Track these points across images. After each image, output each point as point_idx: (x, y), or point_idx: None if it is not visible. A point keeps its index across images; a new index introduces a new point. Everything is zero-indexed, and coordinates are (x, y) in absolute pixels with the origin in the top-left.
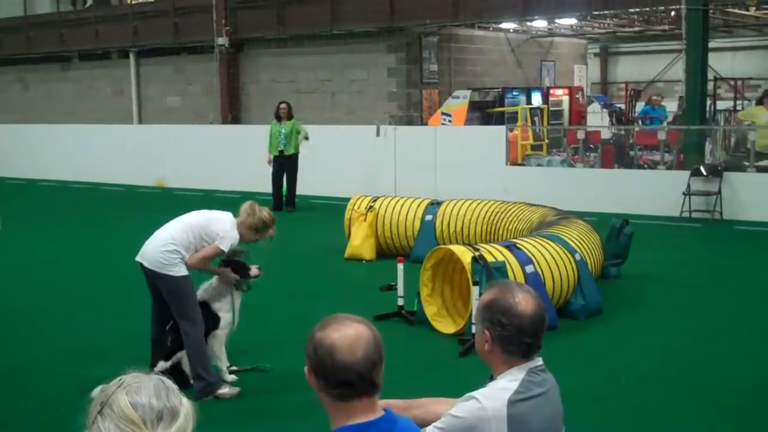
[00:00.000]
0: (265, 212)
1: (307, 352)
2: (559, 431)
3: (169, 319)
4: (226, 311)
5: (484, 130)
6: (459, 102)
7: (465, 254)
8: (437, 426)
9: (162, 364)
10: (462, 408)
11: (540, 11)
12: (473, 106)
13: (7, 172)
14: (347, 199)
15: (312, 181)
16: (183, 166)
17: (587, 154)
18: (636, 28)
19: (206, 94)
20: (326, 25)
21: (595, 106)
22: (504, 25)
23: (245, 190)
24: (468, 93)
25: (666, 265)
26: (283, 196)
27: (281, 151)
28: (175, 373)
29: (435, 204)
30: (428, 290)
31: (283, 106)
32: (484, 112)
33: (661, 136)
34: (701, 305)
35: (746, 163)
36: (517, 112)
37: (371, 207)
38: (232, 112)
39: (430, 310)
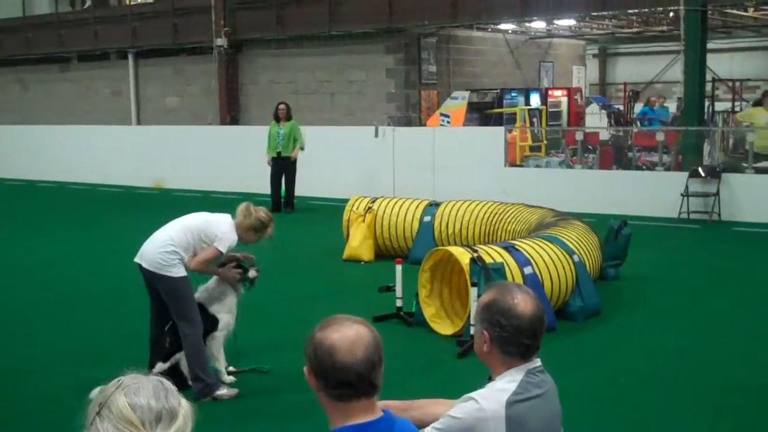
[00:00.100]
0: (261, 212)
1: (307, 352)
2: None
3: (167, 320)
4: (224, 313)
5: (483, 131)
6: (458, 103)
7: (463, 255)
8: (435, 427)
9: (160, 366)
10: (460, 409)
11: (538, 12)
12: (472, 107)
13: (6, 173)
14: (346, 200)
15: (310, 182)
16: (182, 167)
17: (586, 155)
18: (634, 29)
19: (205, 95)
20: (325, 26)
21: (594, 108)
22: (503, 26)
23: (244, 191)
24: (467, 94)
25: (664, 266)
26: (282, 198)
27: (279, 153)
28: (173, 375)
29: (433, 205)
30: (427, 291)
31: (282, 107)
32: (483, 113)
33: (660, 137)
34: (699, 306)
35: (744, 165)
36: (515, 113)
37: (370, 208)
38: (231, 113)
39: (429, 311)
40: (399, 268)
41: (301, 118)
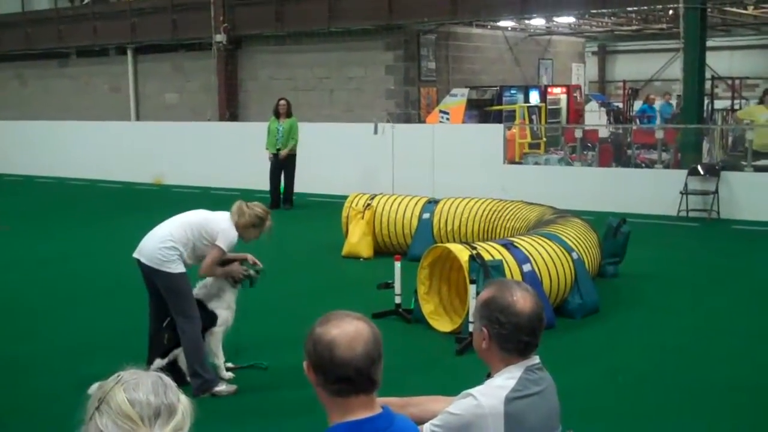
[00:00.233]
0: (256, 208)
1: (307, 347)
2: (555, 429)
3: (166, 316)
4: (223, 309)
5: (482, 129)
6: (457, 100)
7: (462, 252)
8: (434, 423)
9: (158, 362)
10: (459, 405)
11: (538, 9)
12: (471, 104)
13: (5, 169)
14: (345, 197)
15: (309, 178)
16: (181, 164)
17: (585, 152)
18: (634, 27)
19: (204, 91)
20: (324, 22)
21: (593, 105)
22: (502, 24)
23: (243, 187)
24: (466, 91)
25: (663, 264)
26: (281, 194)
27: (279, 150)
28: (171, 371)
29: (432, 202)
30: (425, 288)
31: (282, 103)
32: (482, 111)
33: (659, 135)
34: (698, 304)
35: (744, 163)
36: (514, 111)
37: (369, 205)
38: (230, 110)
39: (427, 308)
40: (398, 264)
41: (300, 115)
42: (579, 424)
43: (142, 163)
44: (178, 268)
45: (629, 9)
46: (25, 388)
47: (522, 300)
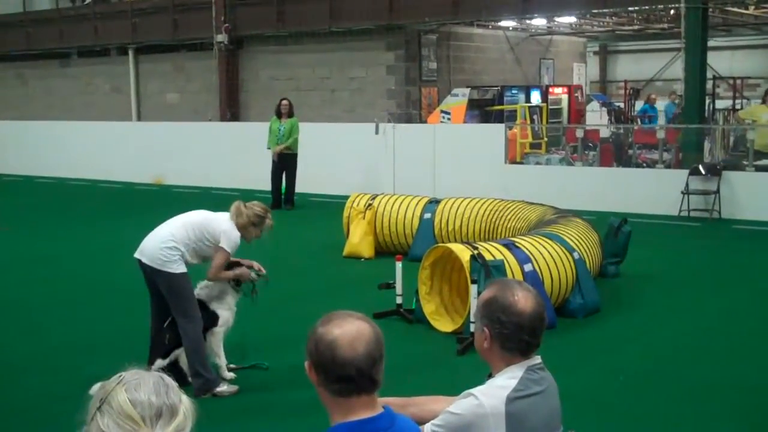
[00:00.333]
0: (255, 206)
1: (309, 347)
2: (556, 429)
3: (167, 317)
4: (224, 309)
5: (483, 129)
6: (458, 100)
7: (463, 252)
8: (435, 423)
9: (159, 362)
10: (460, 405)
11: (539, 9)
12: (472, 104)
13: (6, 169)
14: (346, 197)
15: (311, 179)
16: (182, 164)
17: (586, 152)
18: (635, 27)
19: (205, 92)
20: (325, 22)
21: (594, 105)
22: (503, 23)
23: (244, 187)
24: (467, 91)
25: (664, 263)
26: (282, 194)
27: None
28: (173, 371)
29: (434, 202)
30: (426, 288)
31: (284, 103)
32: (483, 111)
33: (660, 134)
34: (699, 304)
35: (745, 162)
36: (516, 111)
37: (370, 205)
38: (231, 110)
39: (429, 308)
40: (399, 265)
41: (301, 115)
42: (580, 423)
43: (143, 164)
44: (180, 268)
45: (630, 9)
46: (25, 387)
47: (523, 300)
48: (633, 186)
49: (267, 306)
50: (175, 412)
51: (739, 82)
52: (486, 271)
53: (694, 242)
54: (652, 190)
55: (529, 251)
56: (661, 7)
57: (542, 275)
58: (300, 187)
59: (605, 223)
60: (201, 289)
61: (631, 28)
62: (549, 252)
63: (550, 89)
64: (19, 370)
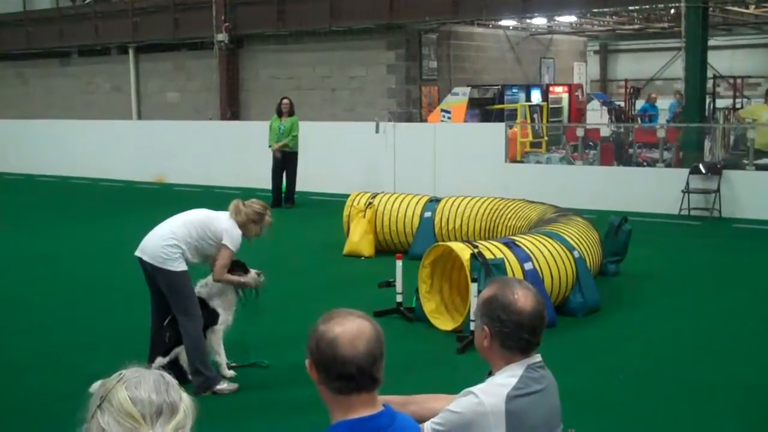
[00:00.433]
0: (254, 204)
1: (309, 345)
2: (556, 428)
3: (167, 314)
4: (224, 308)
5: (484, 128)
6: (458, 99)
7: (464, 251)
8: (435, 421)
9: (160, 360)
10: (460, 403)
11: (540, 8)
12: (473, 103)
13: (6, 168)
14: (346, 196)
15: (311, 177)
16: (182, 162)
17: (586, 151)
18: (636, 26)
19: (206, 90)
20: (325, 21)
21: (595, 104)
22: (503, 23)
23: (244, 186)
24: (467, 90)
25: (664, 262)
26: (283, 193)
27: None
28: (173, 369)
29: (434, 201)
30: (427, 287)
31: (285, 101)
32: (484, 110)
33: (661, 134)
34: (699, 303)
35: (745, 161)
36: (516, 110)
37: (370, 203)
38: (232, 109)
39: (429, 306)
40: (399, 263)
41: (301, 114)
42: (580, 422)
43: (143, 162)
44: (181, 266)
45: (631, 8)
46: (26, 386)
47: (523, 298)
48: (633, 185)
49: (267, 304)
50: (175, 410)
51: (739, 81)
52: (486, 269)
53: (695, 241)
54: (653, 189)
55: (529, 250)
56: (661, 6)
57: (542, 274)
58: (300, 185)
59: (605, 221)
60: (201, 287)
61: (631, 27)
62: (549, 250)
63: (551, 88)
64: (19, 368)
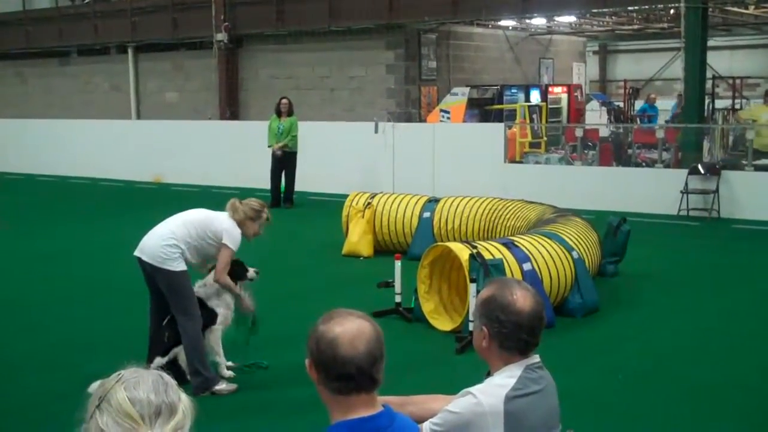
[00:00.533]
0: (251, 202)
1: (309, 345)
2: (555, 429)
3: (166, 314)
4: (222, 307)
5: (483, 128)
6: (457, 99)
7: (462, 251)
8: (434, 422)
9: (159, 360)
10: (458, 404)
11: (539, 9)
12: (472, 103)
13: (6, 167)
14: (345, 196)
15: (310, 177)
16: (181, 162)
17: (585, 152)
18: (635, 26)
19: (205, 90)
20: (325, 21)
21: (594, 104)
22: (503, 23)
23: (243, 186)
24: (466, 90)
25: (663, 263)
26: (282, 193)
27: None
28: (172, 369)
29: (433, 201)
30: (425, 287)
31: (284, 101)
32: (483, 110)
33: (660, 134)
34: (698, 303)
35: (744, 162)
36: (515, 110)
37: (369, 204)
38: (231, 108)
39: (428, 307)
40: (398, 263)
41: (300, 114)
42: (579, 423)
43: (142, 162)
44: (180, 266)
45: (630, 8)
46: (24, 386)
47: (522, 299)
48: (632, 185)
49: (266, 304)
50: (174, 411)
51: (738, 81)
52: (485, 270)
53: (693, 242)
54: (652, 190)
55: (528, 250)
56: (660, 6)
57: (541, 274)
58: (299, 185)
59: (604, 222)
60: (200, 287)
61: (630, 27)
62: (548, 251)
63: (550, 88)
64: (17, 368)
